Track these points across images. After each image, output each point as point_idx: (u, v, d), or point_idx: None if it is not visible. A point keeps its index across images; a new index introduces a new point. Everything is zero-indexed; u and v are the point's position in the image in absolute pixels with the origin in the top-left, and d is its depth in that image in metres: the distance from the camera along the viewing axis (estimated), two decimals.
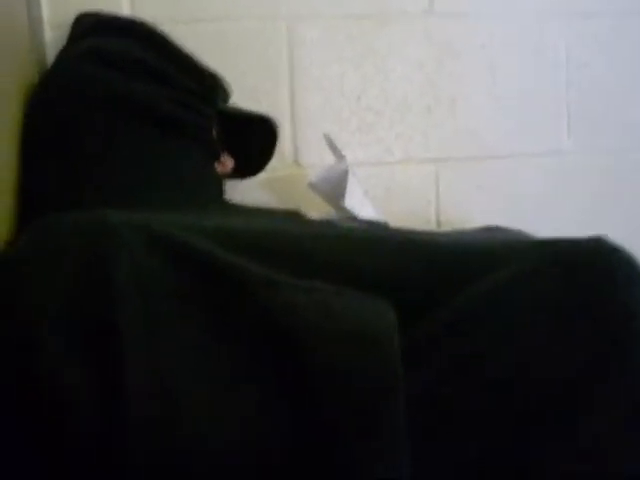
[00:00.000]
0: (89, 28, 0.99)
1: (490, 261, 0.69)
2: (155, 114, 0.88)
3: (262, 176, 1.13)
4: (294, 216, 0.88)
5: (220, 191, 0.98)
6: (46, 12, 1.08)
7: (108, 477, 0.55)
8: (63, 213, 0.66)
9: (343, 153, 1.07)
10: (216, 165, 0.97)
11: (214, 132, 0.96)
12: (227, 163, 1.00)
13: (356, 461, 0.59)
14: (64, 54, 0.97)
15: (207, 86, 0.95)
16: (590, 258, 0.68)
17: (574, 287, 0.66)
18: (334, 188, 1.01)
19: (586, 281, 0.66)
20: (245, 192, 1.13)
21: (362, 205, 1.01)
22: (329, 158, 1.10)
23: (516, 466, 0.64)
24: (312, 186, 1.03)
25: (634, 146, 1.31)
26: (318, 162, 1.15)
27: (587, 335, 0.65)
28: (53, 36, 1.08)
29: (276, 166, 1.14)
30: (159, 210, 0.73)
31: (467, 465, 0.63)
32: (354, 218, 0.99)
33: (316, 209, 1.04)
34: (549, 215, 1.26)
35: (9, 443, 0.57)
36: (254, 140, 1.07)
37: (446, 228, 1.20)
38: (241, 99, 1.10)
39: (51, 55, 1.03)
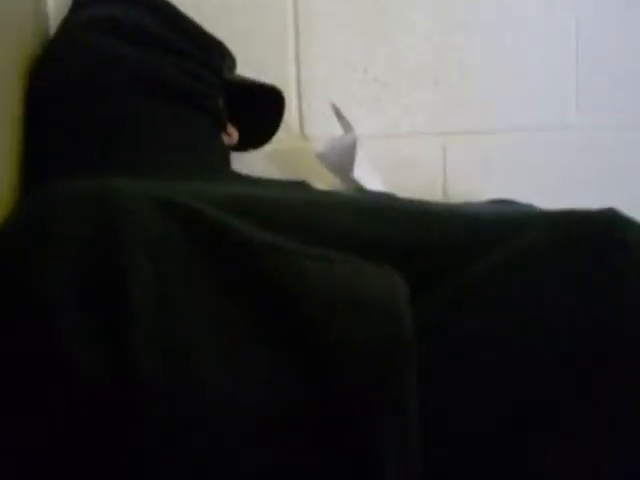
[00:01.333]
0: None
1: (504, 231, 0.68)
2: (161, 83, 0.87)
3: (267, 148, 1.12)
4: (301, 186, 0.87)
5: (227, 162, 0.97)
6: None
7: (124, 443, 0.54)
8: (65, 181, 0.64)
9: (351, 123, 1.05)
10: (222, 136, 0.96)
11: (221, 102, 0.95)
12: (233, 134, 0.99)
13: (365, 432, 0.59)
14: (67, 23, 0.96)
15: (214, 55, 0.94)
16: (606, 228, 0.66)
17: (590, 257, 0.65)
18: (342, 159, 1.00)
19: (603, 250, 0.65)
20: (250, 164, 1.12)
21: (370, 177, 1.00)
22: (335, 130, 1.09)
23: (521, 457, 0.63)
24: (320, 156, 1.02)
25: None
26: (324, 134, 1.14)
27: (604, 308, 0.64)
28: (56, 4, 1.06)
29: (282, 138, 1.13)
30: (167, 178, 0.71)
31: (473, 446, 0.62)
32: (362, 190, 0.98)
33: (322, 182, 1.03)
34: (556, 189, 1.25)
35: (22, 414, 0.57)
36: (260, 111, 1.06)
37: (454, 201, 1.19)
38: (246, 70, 1.08)
39: (54, 24, 1.02)
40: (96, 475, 0.56)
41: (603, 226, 0.67)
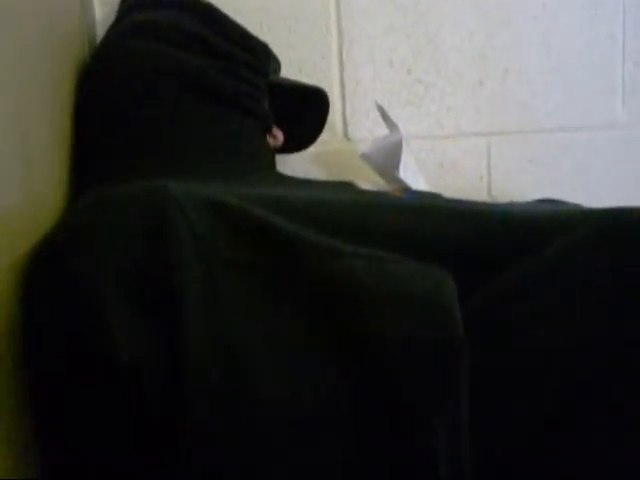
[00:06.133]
0: (137, 3, 0.99)
1: (551, 229, 0.68)
2: (207, 86, 0.88)
3: (311, 150, 1.12)
4: (347, 187, 0.87)
5: (272, 163, 0.97)
6: None
7: (174, 438, 0.55)
8: (118, 184, 0.66)
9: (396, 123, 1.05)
10: (268, 137, 0.96)
11: (266, 104, 0.95)
12: (278, 135, 0.99)
13: (417, 423, 0.59)
14: (113, 30, 0.97)
15: (258, 57, 0.94)
16: None
17: (637, 253, 0.64)
18: (388, 159, 0.99)
19: None
20: (294, 166, 1.13)
21: (416, 176, 1.00)
22: (379, 132, 1.09)
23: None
24: (365, 157, 1.02)
25: None
26: (368, 136, 1.15)
27: None
28: (103, 13, 1.08)
29: (326, 140, 1.13)
30: (214, 180, 0.72)
31: (520, 442, 0.62)
32: (408, 189, 0.98)
33: (366, 184, 1.02)
34: (602, 189, 1.24)
35: (74, 408, 0.58)
36: (305, 113, 1.06)
37: (499, 201, 1.18)
38: (289, 72, 1.09)
39: (101, 32, 1.03)
40: (145, 471, 0.57)
41: None
